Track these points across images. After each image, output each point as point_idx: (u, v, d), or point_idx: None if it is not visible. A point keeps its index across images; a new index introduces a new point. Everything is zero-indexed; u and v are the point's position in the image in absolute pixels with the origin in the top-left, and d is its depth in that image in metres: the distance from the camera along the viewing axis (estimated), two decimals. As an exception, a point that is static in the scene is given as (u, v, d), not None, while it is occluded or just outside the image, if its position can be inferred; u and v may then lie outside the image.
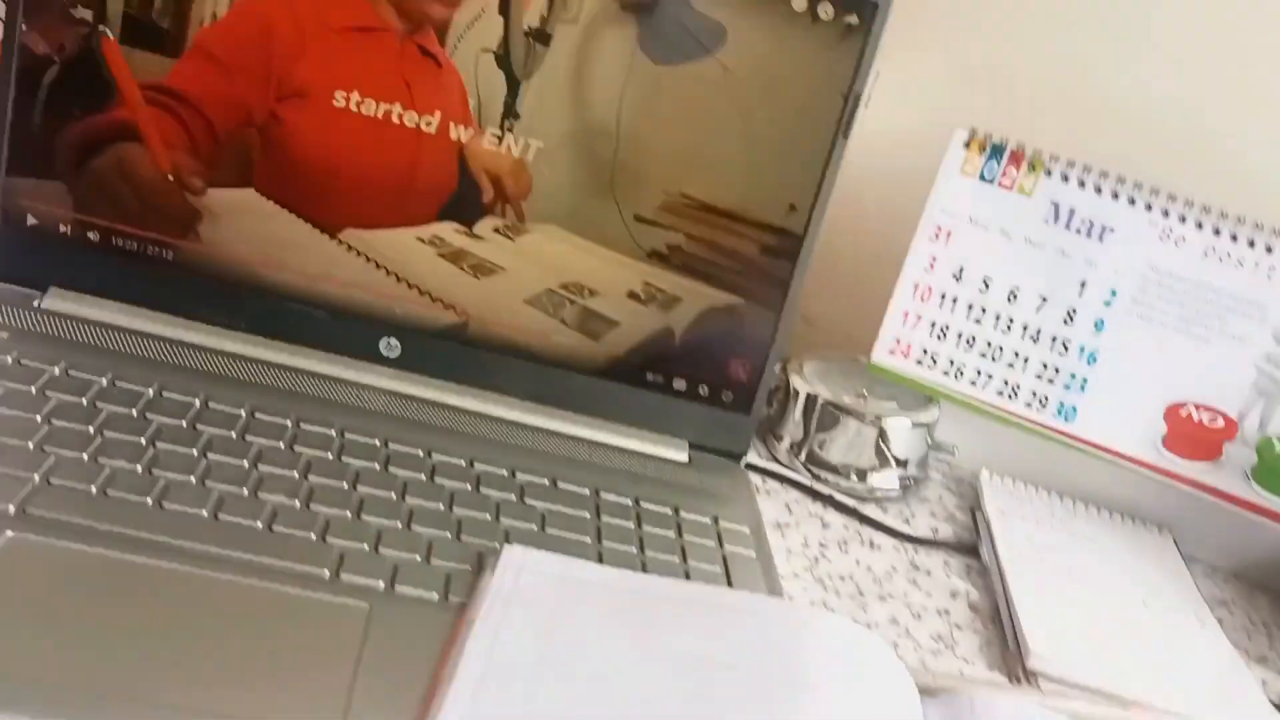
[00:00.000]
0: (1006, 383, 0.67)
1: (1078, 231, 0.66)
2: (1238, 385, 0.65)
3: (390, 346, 0.58)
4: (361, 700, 0.39)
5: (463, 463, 0.54)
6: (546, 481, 0.55)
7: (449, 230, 0.57)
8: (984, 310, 0.67)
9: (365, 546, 0.47)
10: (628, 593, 0.49)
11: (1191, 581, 0.65)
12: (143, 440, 0.48)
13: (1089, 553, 0.65)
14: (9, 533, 0.41)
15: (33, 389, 0.49)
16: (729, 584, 0.52)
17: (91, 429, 0.48)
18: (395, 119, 0.55)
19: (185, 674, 0.38)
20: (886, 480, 0.66)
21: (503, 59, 0.54)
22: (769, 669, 0.45)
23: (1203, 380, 0.66)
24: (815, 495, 0.64)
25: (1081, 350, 0.67)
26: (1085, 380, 0.67)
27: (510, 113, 0.55)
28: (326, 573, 0.45)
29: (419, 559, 0.47)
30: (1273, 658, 0.62)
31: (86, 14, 0.52)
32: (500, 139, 0.56)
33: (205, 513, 0.45)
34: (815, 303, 0.63)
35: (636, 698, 0.42)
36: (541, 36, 0.54)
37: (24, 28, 0.51)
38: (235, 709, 0.37)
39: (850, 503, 0.64)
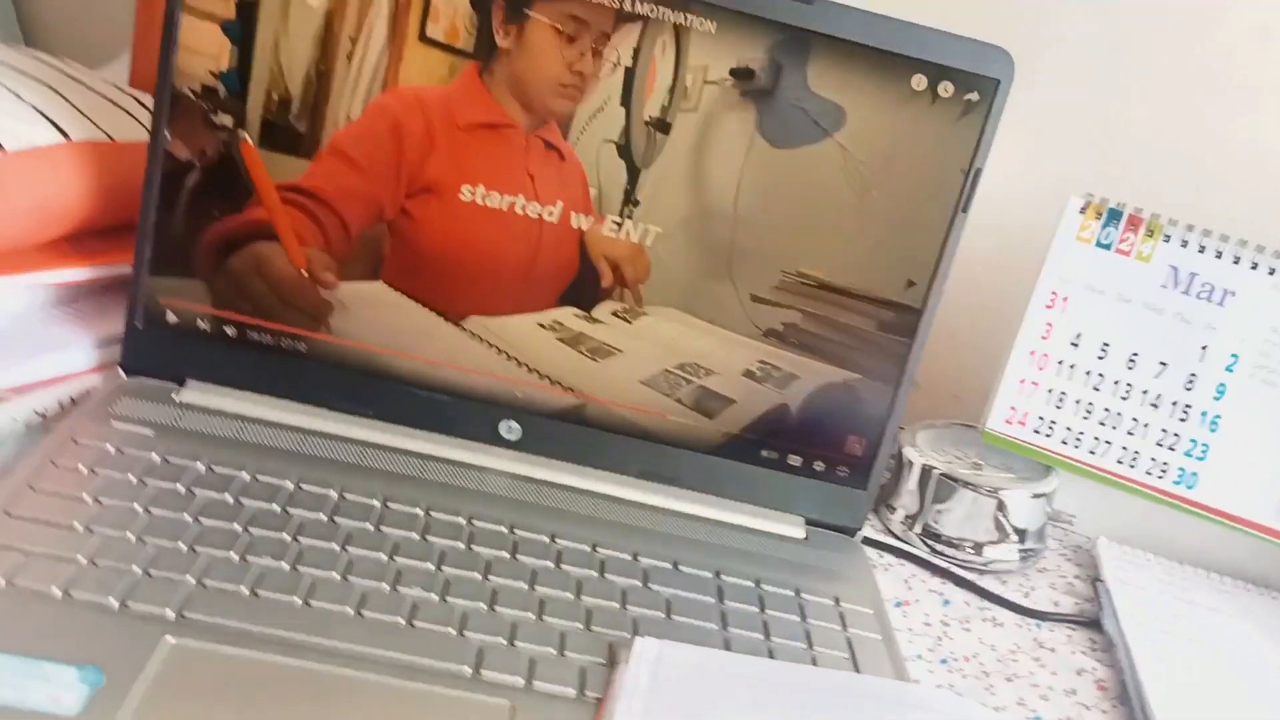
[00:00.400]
0: (1126, 450, 0.66)
1: (1198, 296, 0.64)
2: (1369, 452, 0.64)
3: (510, 429, 0.59)
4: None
5: (587, 548, 0.55)
6: (669, 565, 0.56)
7: (569, 315, 0.58)
8: (1102, 377, 0.66)
9: (502, 640, 0.47)
10: (762, 683, 0.49)
11: (1322, 653, 0.64)
12: (286, 536, 0.49)
13: (1213, 623, 0.64)
14: (170, 639, 0.43)
15: (180, 487, 0.50)
16: (855, 669, 0.52)
17: (238, 526, 0.49)
18: (519, 210, 0.56)
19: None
20: (1005, 553, 0.65)
21: (624, 149, 0.55)
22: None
23: (1331, 446, 0.64)
24: (934, 569, 0.64)
25: (1203, 416, 0.65)
26: (1206, 446, 0.66)
27: (630, 200, 0.56)
28: (468, 670, 0.45)
29: (554, 652, 0.48)
30: None
31: (226, 120, 0.54)
32: (620, 226, 0.56)
33: (350, 610, 0.46)
34: (922, 365, 0.62)
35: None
36: (662, 125, 0.55)
37: (167, 136, 0.53)
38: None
39: (969, 577, 0.64)
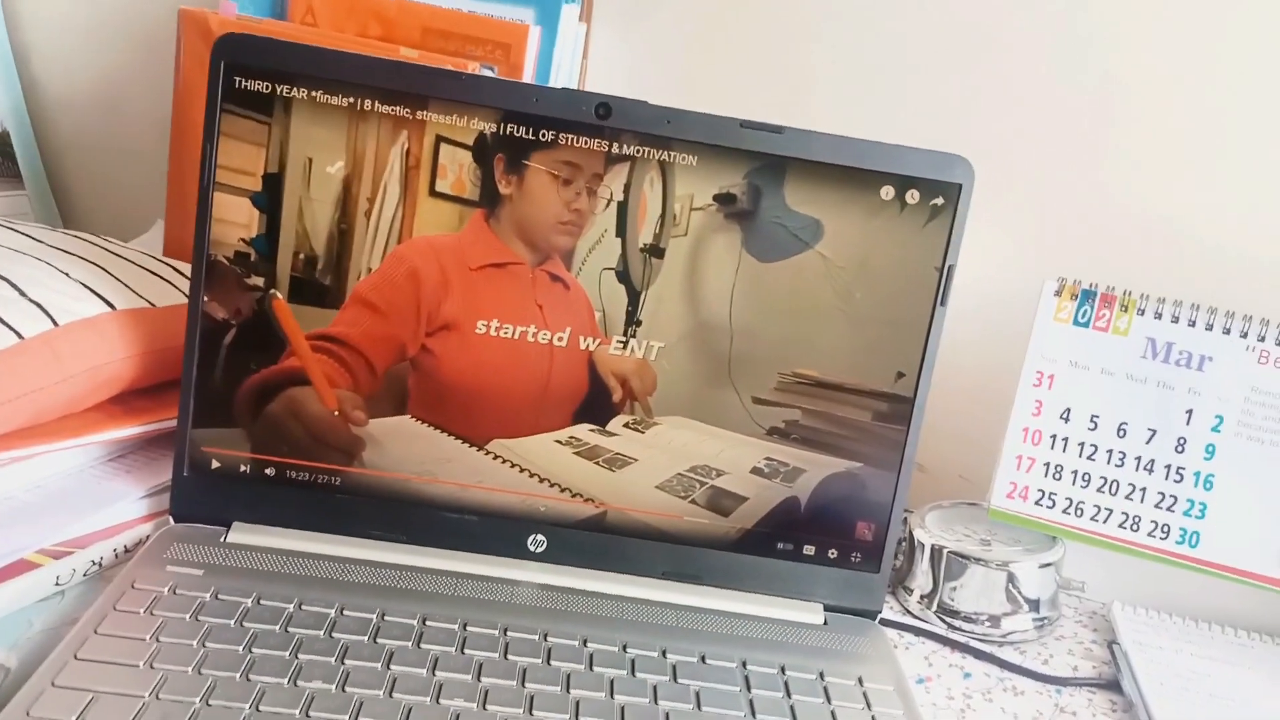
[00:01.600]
0: (1127, 515, 0.69)
1: (1177, 363, 0.68)
2: (1359, 497, 0.67)
3: (537, 542, 0.63)
4: None
5: (616, 649, 0.58)
6: (696, 659, 0.58)
7: (584, 430, 0.62)
8: (1095, 447, 0.69)
9: (541, 743, 0.50)
10: (791, 768, 0.51)
11: (1343, 699, 0.65)
12: (333, 660, 0.53)
13: (1230, 678, 0.66)
14: (232, 765, 0.46)
15: (232, 621, 0.54)
16: (882, 746, 0.55)
17: (287, 654, 0.52)
18: (531, 338, 0.60)
19: None
20: (1020, 623, 0.68)
21: (622, 275, 0.60)
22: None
23: (1322, 494, 0.67)
24: (953, 645, 0.66)
25: (1197, 476, 0.68)
26: (1204, 505, 0.68)
27: (632, 320, 0.61)
28: (511, 779, 0.48)
29: (591, 754, 0.50)
30: None
31: (258, 280, 0.59)
32: (625, 344, 0.61)
33: (397, 725, 0.50)
34: (925, 450, 0.66)
35: None
36: (656, 251, 0.60)
37: (205, 299, 0.58)
38: None
39: (988, 649, 0.66)
